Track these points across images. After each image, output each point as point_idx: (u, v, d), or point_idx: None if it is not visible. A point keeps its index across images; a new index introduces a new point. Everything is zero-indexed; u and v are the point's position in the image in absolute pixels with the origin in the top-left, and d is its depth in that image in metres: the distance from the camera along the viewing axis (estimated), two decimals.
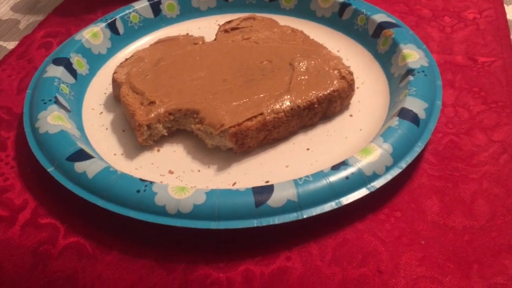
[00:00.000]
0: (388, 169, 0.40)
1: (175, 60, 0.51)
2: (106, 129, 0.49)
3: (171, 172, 0.44)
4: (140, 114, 0.46)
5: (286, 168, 0.44)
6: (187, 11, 0.63)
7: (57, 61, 0.52)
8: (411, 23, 0.61)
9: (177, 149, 0.47)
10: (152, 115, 0.45)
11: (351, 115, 0.49)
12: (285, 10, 0.63)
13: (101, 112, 0.51)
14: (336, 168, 0.39)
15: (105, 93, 0.53)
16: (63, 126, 0.44)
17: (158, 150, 0.47)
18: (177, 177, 0.44)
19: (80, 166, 0.40)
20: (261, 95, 0.46)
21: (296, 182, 0.38)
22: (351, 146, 0.46)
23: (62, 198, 0.41)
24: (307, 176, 0.39)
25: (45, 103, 0.46)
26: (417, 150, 0.42)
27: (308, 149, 0.46)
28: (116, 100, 0.52)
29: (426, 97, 0.45)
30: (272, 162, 0.45)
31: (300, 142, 0.47)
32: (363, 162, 0.40)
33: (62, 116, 0.46)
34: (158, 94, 0.47)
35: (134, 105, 0.47)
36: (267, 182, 0.43)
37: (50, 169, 0.41)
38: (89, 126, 0.49)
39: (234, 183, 0.43)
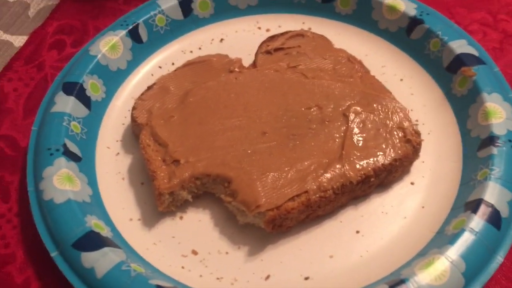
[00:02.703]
0: None
1: (205, 96, 0.43)
2: (123, 179, 0.42)
3: (194, 252, 0.38)
4: (161, 177, 0.38)
5: (330, 259, 0.37)
6: (223, 10, 0.53)
7: (68, 88, 0.44)
8: (494, 43, 0.50)
9: (203, 217, 0.40)
10: (176, 181, 0.38)
11: (412, 183, 0.41)
12: (341, 15, 0.52)
13: (118, 153, 0.44)
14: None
15: (123, 124, 0.45)
16: (71, 192, 0.37)
17: (181, 218, 0.40)
18: (201, 261, 0.37)
19: (88, 259, 0.34)
20: (306, 163, 0.38)
21: None
22: (411, 231, 0.38)
23: (68, 286, 0.35)
24: None
25: (51, 154, 0.39)
26: (495, 266, 0.34)
27: (357, 232, 0.38)
28: (135, 136, 0.44)
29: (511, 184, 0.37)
30: (314, 248, 0.38)
31: (348, 221, 0.39)
32: (426, 284, 0.32)
33: (71, 175, 0.39)
34: (183, 150, 0.39)
35: (155, 163, 0.39)
36: (306, 278, 0.36)
37: (54, 254, 0.35)
38: (103, 174, 0.42)
39: (268, 277, 0.36)
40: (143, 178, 0.42)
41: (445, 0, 0.54)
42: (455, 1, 0.54)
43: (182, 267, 0.37)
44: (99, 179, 0.42)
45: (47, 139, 0.41)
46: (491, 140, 0.39)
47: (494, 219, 0.35)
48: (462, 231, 0.34)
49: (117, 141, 0.45)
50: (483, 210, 0.35)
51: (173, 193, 0.38)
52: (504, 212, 0.35)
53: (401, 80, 0.47)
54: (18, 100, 0.48)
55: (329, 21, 0.52)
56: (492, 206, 0.35)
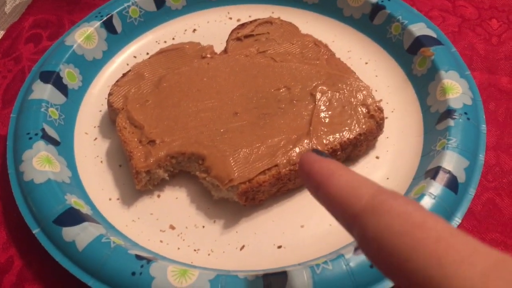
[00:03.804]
0: None
1: (179, 80, 0.45)
2: (101, 162, 0.44)
3: (172, 227, 0.40)
4: (138, 157, 0.40)
5: (301, 229, 0.39)
6: (195, 2, 0.55)
7: (45, 76, 0.45)
8: (453, 27, 0.53)
9: (180, 195, 0.42)
10: (152, 159, 0.40)
11: (377, 157, 0.43)
12: (308, 4, 0.54)
13: (96, 138, 0.45)
14: (359, 251, 0.34)
15: (100, 111, 0.47)
16: (51, 172, 0.39)
17: (159, 196, 0.42)
18: (178, 235, 0.39)
19: (68, 233, 0.35)
20: (276, 139, 0.40)
21: (312, 271, 0.33)
22: None
23: (51, 261, 0.37)
24: (325, 263, 0.34)
25: (30, 138, 0.41)
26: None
27: None
28: (112, 122, 0.46)
29: (467, 152, 0.39)
30: (286, 219, 0.40)
31: None
32: None
33: (50, 157, 0.40)
34: (159, 131, 0.41)
35: (131, 143, 0.41)
36: (279, 247, 0.38)
37: (36, 231, 0.37)
38: (81, 158, 0.44)
39: (243, 247, 0.38)
40: (120, 161, 0.44)
41: None
42: None
43: (161, 241, 0.39)
44: (77, 162, 0.43)
45: (25, 125, 0.42)
46: (448, 113, 0.42)
47: (452, 184, 0.37)
48: (422, 195, 0.37)
49: (94, 127, 0.46)
50: (441, 176, 0.38)
51: (150, 171, 0.40)
52: (461, 178, 0.38)
53: (366, 63, 0.50)
54: None
55: (297, 10, 0.54)
56: (449, 172, 0.38)
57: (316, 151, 0.27)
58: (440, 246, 0.19)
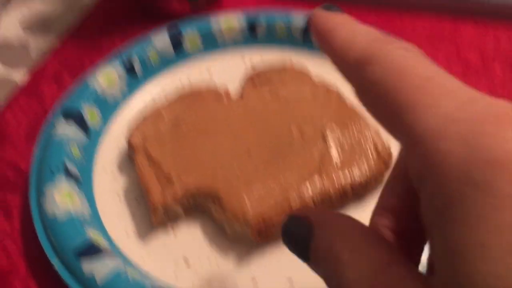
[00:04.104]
0: None
1: (196, 121, 0.47)
2: (119, 197, 0.45)
3: (186, 261, 0.41)
4: (155, 193, 0.42)
5: None
6: (210, 45, 0.58)
7: (68, 114, 0.47)
8: (456, 75, 0.55)
9: (194, 230, 0.43)
10: (169, 196, 0.41)
11: None
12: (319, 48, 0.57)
13: (114, 175, 0.47)
14: None
15: (118, 149, 0.49)
16: (72, 207, 0.41)
17: (174, 230, 0.43)
18: (192, 268, 0.40)
19: (88, 267, 0.37)
20: (288, 177, 0.42)
21: None
22: None
23: None
24: None
25: (53, 174, 0.43)
26: None
27: None
28: (130, 160, 0.47)
29: None
30: None
31: None
32: None
33: (71, 192, 0.42)
34: (176, 168, 0.43)
35: (149, 180, 0.43)
36: (289, 278, 0.39)
37: (56, 264, 0.38)
38: (100, 193, 0.45)
39: (254, 279, 0.39)
40: (137, 197, 0.45)
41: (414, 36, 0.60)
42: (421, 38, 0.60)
43: (176, 275, 0.40)
44: (96, 197, 0.45)
45: (48, 161, 0.44)
46: None
47: None
48: None
49: (113, 164, 0.48)
50: None
51: (167, 207, 0.42)
52: None
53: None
54: (19, 128, 0.51)
55: (310, 53, 0.57)
56: None
57: (326, 6, 0.25)
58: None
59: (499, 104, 0.16)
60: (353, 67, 0.21)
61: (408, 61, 0.18)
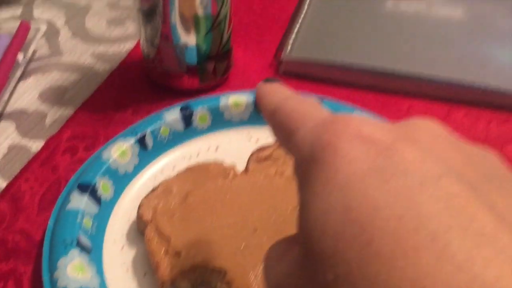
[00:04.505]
0: None
1: (204, 196, 0.49)
2: (127, 270, 0.47)
3: None
4: (164, 268, 0.43)
5: None
6: (218, 123, 0.61)
7: (82, 187, 0.50)
8: None
9: None
10: (177, 271, 0.43)
11: None
12: None
13: (123, 247, 0.49)
14: None
15: (128, 221, 0.51)
16: (83, 280, 0.42)
17: None
18: None
19: None
20: None
21: None
22: None
23: None
24: None
25: (66, 246, 0.44)
26: None
27: None
28: (140, 232, 0.49)
29: None
30: None
31: None
32: None
33: (83, 264, 0.43)
34: (185, 243, 0.45)
35: (158, 254, 0.44)
36: None
37: None
38: (109, 263, 0.47)
39: None
40: (145, 270, 0.47)
41: None
42: None
43: None
44: (105, 269, 0.46)
45: (62, 233, 0.46)
46: None
47: None
48: None
49: (122, 235, 0.50)
50: None
51: (175, 282, 0.43)
52: None
53: None
54: (33, 198, 0.53)
55: None
56: None
57: (268, 79, 0.33)
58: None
59: (340, 115, 0.22)
60: (271, 115, 0.29)
61: (299, 108, 0.27)
